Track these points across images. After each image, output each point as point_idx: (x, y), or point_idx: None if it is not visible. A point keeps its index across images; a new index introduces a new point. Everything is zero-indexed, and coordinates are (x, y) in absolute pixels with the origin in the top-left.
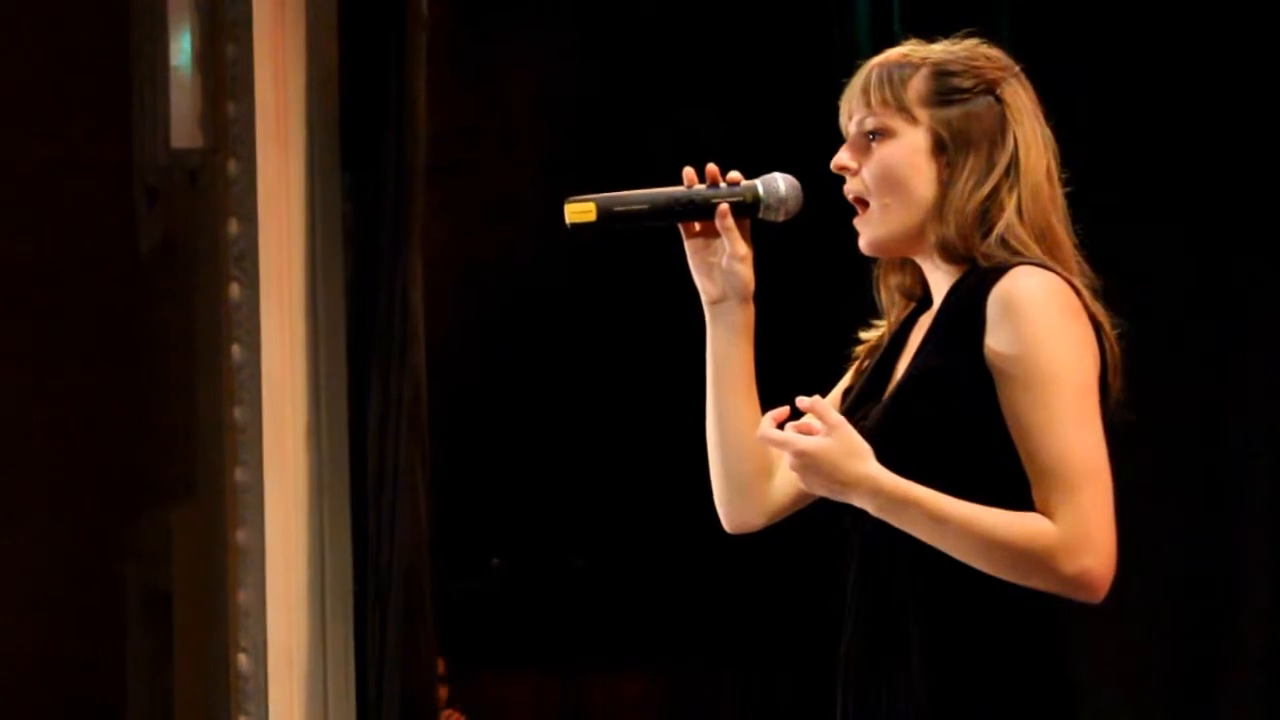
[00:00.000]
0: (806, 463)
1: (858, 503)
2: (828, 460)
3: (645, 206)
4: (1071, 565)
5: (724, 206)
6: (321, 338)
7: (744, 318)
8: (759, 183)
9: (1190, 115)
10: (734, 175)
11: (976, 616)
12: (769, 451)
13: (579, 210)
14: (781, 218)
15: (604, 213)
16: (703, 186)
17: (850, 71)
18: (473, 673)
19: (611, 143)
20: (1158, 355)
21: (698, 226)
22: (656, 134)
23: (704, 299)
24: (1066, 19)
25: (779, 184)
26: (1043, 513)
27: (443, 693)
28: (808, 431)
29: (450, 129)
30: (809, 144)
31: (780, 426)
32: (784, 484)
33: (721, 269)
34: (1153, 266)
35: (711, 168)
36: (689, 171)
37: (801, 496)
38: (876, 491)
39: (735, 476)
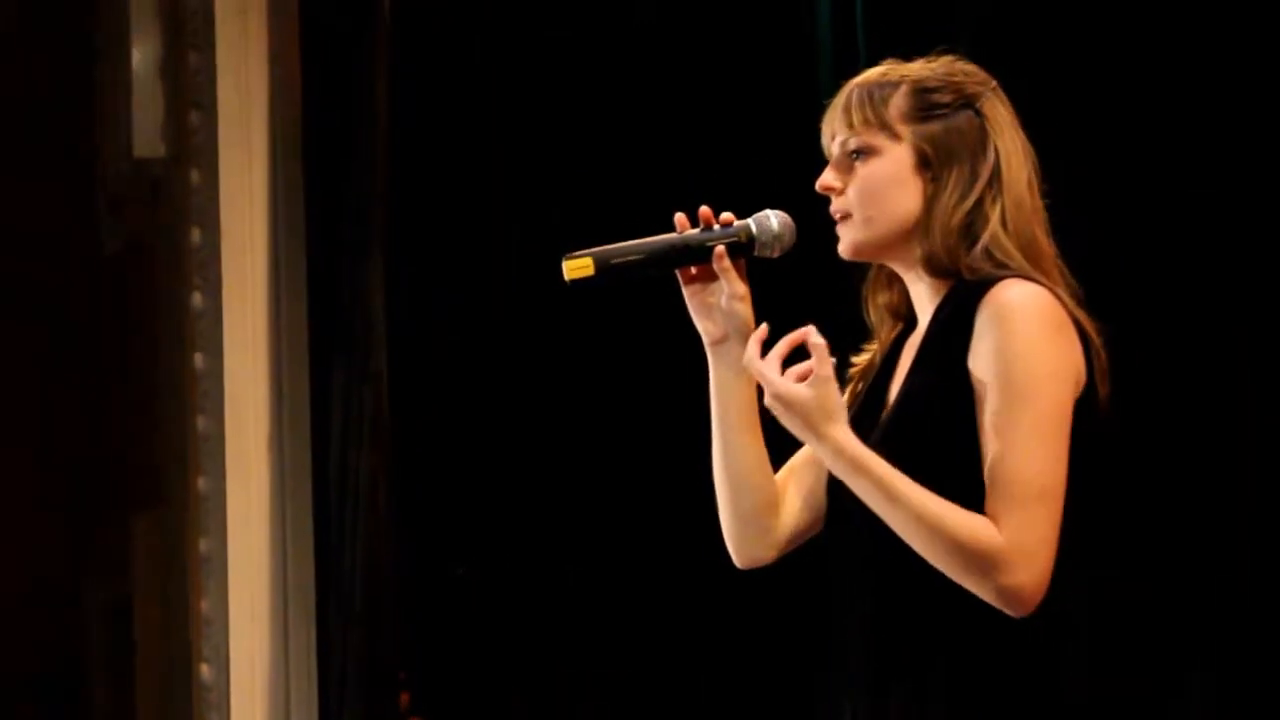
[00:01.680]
0: (784, 405)
1: (820, 454)
2: (802, 410)
3: (642, 256)
4: (1006, 577)
5: (720, 248)
6: (284, 346)
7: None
8: (751, 221)
9: (1152, 117)
10: (726, 216)
11: (983, 642)
12: (776, 485)
13: (577, 266)
14: (776, 254)
15: (602, 266)
16: (696, 230)
17: (817, 88)
18: (435, 681)
19: (578, 151)
20: (1133, 357)
21: (694, 270)
22: (626, 146)
23: (705, 340)
24: (1025, 24)
25: (771, 221)
26: (991, 521)
27: (404, 701)
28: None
29: (412, 137)
30: (775, 156)
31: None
32: (791, 516)
33: (721, 309)
34: (1127, 270)
35: (704, 210)
36: (680, 217)
37: (810, 526)
38: (839, 452)
39: (744, 513)
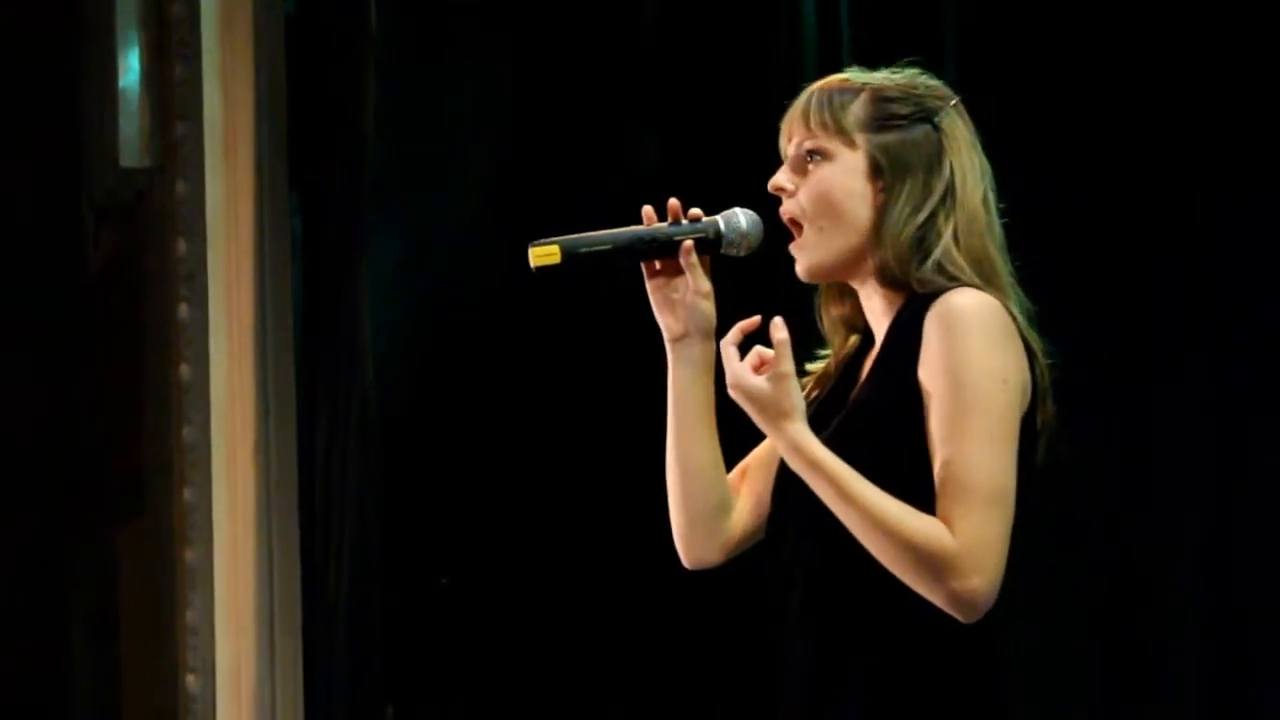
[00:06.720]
0: (743, 395)
1: (778, 445)
2: (759, 404)
3: (609, 246)
4: (958, 581)
5: (688, 243)
6: (270, 357)
7: (705, 353)
8: (720, 219)
9: (1128, 127)
10: (695, 212)
11: (919, 652)
12: (728, 486)
13: (543, 253)
14: (743, 253)
15: (569, 255)
16: (664, 224)
17: (794, 93)
18: (422, 692)
19: (559, 161)
20: (1077, 346)
21: (659, 264)
22: (605, 150)
23: (666, 336)
24: (1011, 41)
25: (740, 219)
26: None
27: (389, 714)
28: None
29: (398, 147)
30: (752, 164)
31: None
32: (741, 518)
33: (684, 305)
34: (1070, 267)
35: (673, 204)
36: (649, 210)
37: (758, 531)
38: (795, 449)
39: (695, 512)
